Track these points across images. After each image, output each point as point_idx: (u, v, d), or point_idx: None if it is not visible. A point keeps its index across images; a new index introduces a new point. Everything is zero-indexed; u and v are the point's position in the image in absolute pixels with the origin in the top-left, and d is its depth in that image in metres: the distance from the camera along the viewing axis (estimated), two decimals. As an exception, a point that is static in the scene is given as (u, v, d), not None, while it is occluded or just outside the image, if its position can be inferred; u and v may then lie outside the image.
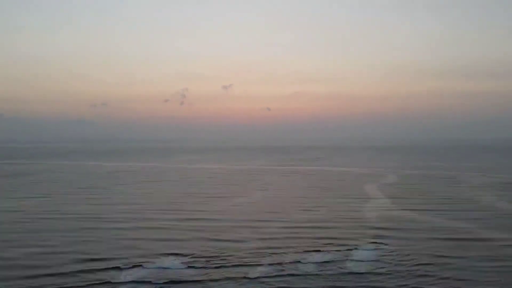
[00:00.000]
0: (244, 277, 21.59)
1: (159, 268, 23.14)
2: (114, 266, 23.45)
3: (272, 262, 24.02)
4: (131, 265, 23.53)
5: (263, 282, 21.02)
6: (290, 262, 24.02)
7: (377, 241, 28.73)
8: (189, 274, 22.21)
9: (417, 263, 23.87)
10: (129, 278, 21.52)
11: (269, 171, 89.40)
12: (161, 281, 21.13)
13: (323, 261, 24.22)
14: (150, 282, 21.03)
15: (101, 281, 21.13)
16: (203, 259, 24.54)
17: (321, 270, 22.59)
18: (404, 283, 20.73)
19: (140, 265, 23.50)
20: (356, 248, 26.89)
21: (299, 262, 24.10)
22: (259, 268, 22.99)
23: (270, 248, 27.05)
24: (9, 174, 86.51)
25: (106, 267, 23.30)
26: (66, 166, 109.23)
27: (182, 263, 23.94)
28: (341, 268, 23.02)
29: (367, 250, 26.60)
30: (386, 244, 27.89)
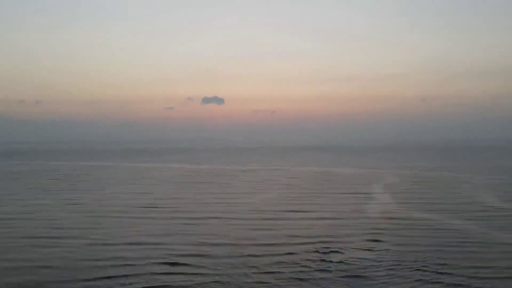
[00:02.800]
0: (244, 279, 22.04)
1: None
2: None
3: (267, 263, 24.49)
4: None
5: (260, 283, 21.52)
6: (287, 263, 24.47)
7: (377, 241, 29.22)
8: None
9: (416, 265, 24.05)
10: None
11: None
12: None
13: (321, 260, 24.77)
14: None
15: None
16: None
17: (318, 271, 23.02)
18: (402, 285, 21.04)
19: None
20: (354, 249, 27.32)
21: (296, 263, 24.52)
22: (256, 269, 23.48)
23: (265, 248, 27.65)
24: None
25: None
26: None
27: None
28: (339, 269, 23.33)
29: (366, 250, 26.96)
30: (385, 243, 28.45)
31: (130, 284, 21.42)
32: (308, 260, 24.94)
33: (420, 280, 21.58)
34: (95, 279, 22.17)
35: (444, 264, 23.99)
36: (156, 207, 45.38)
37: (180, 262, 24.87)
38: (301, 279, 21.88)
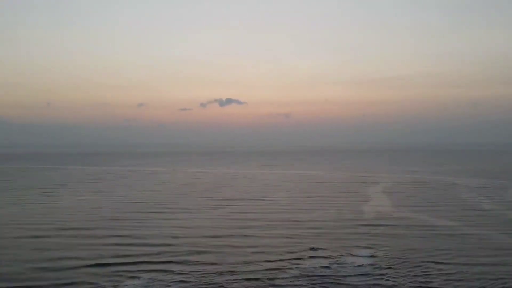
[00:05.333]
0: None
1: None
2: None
3: (263, 268, 24.23)
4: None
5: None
6: (282, 268, 24.21)
7: (372, 244, 29.00)
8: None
9: (411, 267, 23.89)
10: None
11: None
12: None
13: (316, 266, 24.44)
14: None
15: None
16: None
17: (314, 275, 22.81)
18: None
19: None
20: (349, 253, 27.02)
21: (291, 268, 24.27)
22: (251, 275, 23.25)
23: (260, 252, 27.53)
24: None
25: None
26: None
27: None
28: (333, 273, 23.11)
29: (361, 254, 26.64)
30: (380, 247, 28.22)
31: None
32: (300, 265, 24.72)
33: (415, 280, 21.54)
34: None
35: (441, 264, 23.96)
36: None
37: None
38: (290, 282, 21.86)
